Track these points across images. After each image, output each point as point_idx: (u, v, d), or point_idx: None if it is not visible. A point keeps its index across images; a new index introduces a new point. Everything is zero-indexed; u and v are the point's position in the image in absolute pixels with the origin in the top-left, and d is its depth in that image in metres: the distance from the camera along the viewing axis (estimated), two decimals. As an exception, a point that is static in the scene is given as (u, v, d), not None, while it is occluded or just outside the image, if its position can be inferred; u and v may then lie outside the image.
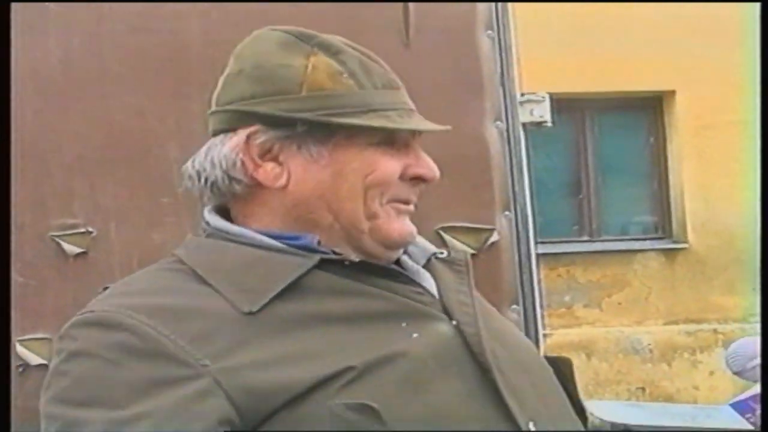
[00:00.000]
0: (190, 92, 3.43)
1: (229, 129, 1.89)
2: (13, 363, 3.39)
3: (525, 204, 3.58)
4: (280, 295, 1.76)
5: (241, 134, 1.86)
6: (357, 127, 1.85)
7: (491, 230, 3.49)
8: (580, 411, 2.11)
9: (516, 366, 1.88)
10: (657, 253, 11.91)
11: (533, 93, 3.76)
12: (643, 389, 11.34)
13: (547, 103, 3.76)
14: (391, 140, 1.92)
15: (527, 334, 3.56)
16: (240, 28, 3.42)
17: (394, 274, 1.91)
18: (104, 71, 3.47)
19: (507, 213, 3.52)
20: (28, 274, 3.45)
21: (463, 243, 3.46)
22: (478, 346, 1.82)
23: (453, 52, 3.54)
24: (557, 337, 11.43)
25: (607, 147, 12.23)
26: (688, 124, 11.90)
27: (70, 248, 3.39)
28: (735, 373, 1.59)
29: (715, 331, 11.30)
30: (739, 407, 1.84)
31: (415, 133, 1.98)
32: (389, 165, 1.90)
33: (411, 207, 1.96)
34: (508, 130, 3.55)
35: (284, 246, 1.85)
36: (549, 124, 3.79)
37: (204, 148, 1.93)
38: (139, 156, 3.43)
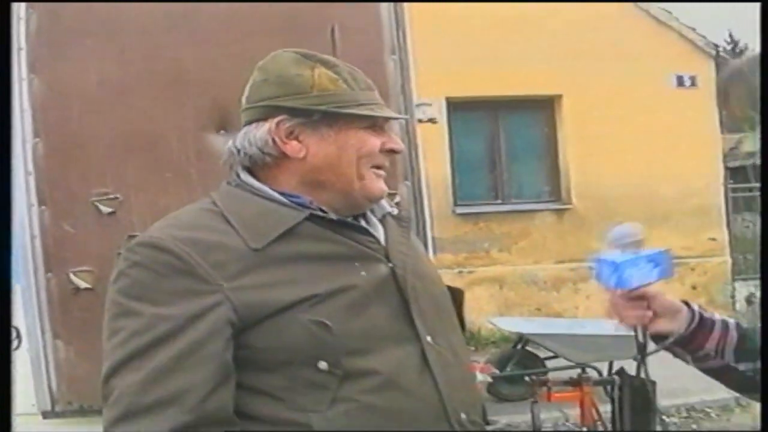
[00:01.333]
0: (185, 101, 3.65)
1: (261, 119, 1.90)
2: (67, 288, 3.61)
3: (420, 175, 3.78)
4: (279, 238, 1.81)
5: (272, 122, 1.88)
6: (354, 115, 1.88)
7: (395, 194, 3.65)
8: (462, 325, 2.18)
9: (428, 296, 1.94)
10: (550, 212, 12.00)
11: (426, 100, 3.94)
12: (539, 309, 11.43)
13: (435, 107, 3.95)
14: (374, 125, 1.93)
15: None
16: (221, 57, 3.65)
17: (357, 227, 1.93)
18: (127, 87, 3.65)
19: (407, 182, 3.74)
20: (77, 226, 3.65)
21: None
22: (403, 283, 1.87)
23: (368, 69, 3.62)
24: (479, 273, 11.50)
25: (514, 135, 12.24)
26: (573, 118, 11.95)
27: (105, 209, 3.61)
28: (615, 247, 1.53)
29: (590, 267, 11.12)
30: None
31: (387, 120, 2.00)
32: (374, 141, 1.91)
33: (383, 172, 1.96)
34: (407, 125, 3.76)
35: (288, 201, 1.87)
36: (437, 122, 3.96)
37: (241, 133, 1.92)
38: (150, 146, 3.63)
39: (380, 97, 1.98)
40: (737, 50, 15.91)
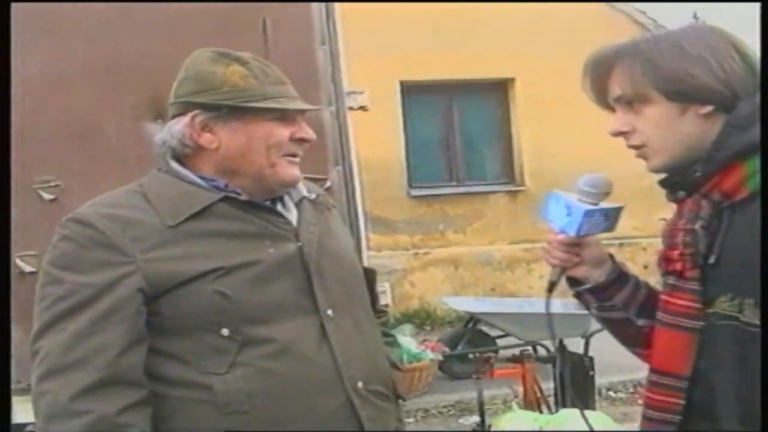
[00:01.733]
0: (123, 91, 3.78)
1: (180, 113, 2.04)
2: (13, 272, 3.74)
3: (351, 161, 3.95)
4: (194, 216, 1.97)
5: (188, 116, 2.02)
6: (258, 108, 2.02)
7: (325, 179, 3.82)
8: (374, 303, 2.28)
9: (334, 274, 2.07)
10: (504, 194, 12.18)
11: (356, 89, 4.11)
12: (494, 289, 11.55)
13: (366, 95, 4.10)
14: (283, 116, 2.04)
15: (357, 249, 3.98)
16: (158, 49, 3.79)
17: (269, 209, 2.07)
18: (67, 78, 3.79)
19: (337, 167, 3.90)
20: (21, 213, 3.79)
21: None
22: (308, 260, 2.02)
23: (299, 60, 3.82)
24: (434, 254, 11.69)
25: (468, 117, 12.39)
26: (525, 101, 12.14)
27: (47, 195, 3.76)
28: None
29: (544, 248, 11.22)
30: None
31: (302, 112, 2.09)
32: (281, 132, 2.04)
33: (297, 159, 2.08)
34: (337, 113, 3.94)
35: (205, 185, 2.03)
36: (368, 109, 4.13)
37: (167, 126, 2.05)
38: (90, 134, 3.77)
39: (293, 90, 2.09)
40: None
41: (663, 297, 1.73)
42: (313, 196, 2.17)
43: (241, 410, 1.89)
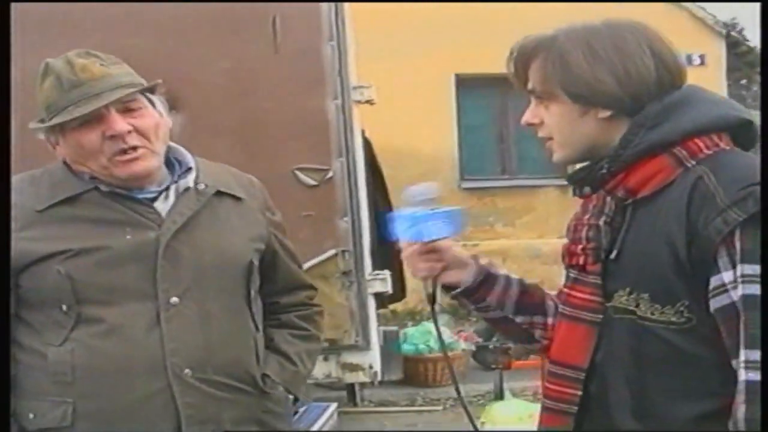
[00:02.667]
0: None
1: None
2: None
3: (355, 152, 4.09)
4: (64, 202, 2.09)
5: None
6: (62, 122, 2.04)
7: (327, 170, 4.00)
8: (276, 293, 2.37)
9: (193, 264, 2.12)
10: (554, 188, 11.90)
11: (364, 83, 4.24)
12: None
13: (373, 89, 4.24)
14: (90, 118, 2.04)
15: (353, 234, 4.16)
16: (170, 46, 3.97)
17: (136, 199, 2.12)
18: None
19: (340, 159, 4.05)
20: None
21: (310, 178, 3.98)
22: (161, 247, 2.08)
23: (306, 55, 4.03)
24: (482, 246, 11.56)
25: (522, 111, 12.10)
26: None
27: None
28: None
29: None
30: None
31: (107, 107, 2.05)
32: (88, 137, 2.05)
33: (136, 152, 2.07)
34: (343, 106, 4.07)
35: (80, 177, 2.12)
36: (375, 103, 4.26)
37: None
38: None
39: (100, 84, 2.04)
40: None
41: (564, 290, 1.81)
42: (202, 186, 2.18)
43: (65, 380, 2.05)
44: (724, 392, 1.55)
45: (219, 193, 2.21)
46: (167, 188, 2.17)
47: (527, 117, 1.81)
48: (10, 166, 2.08)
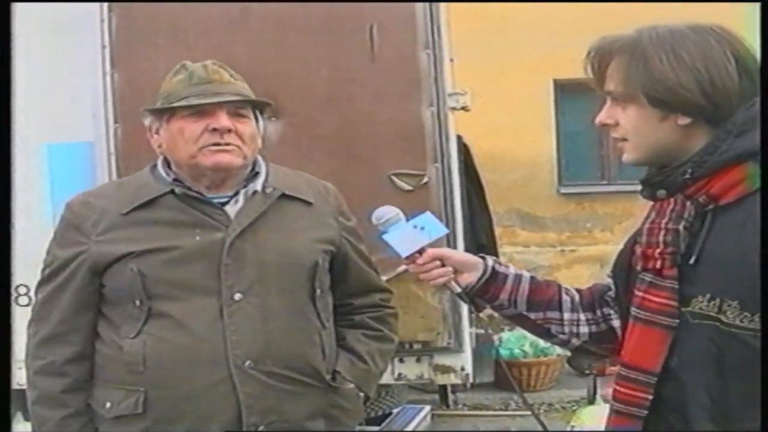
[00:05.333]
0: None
1: None
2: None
3: (450, 157, 4.14)
4: (144, 206, 2.27)
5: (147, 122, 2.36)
6: (174, 108, 2.24)
7: (423, 175, 4.07)
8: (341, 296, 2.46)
9: (257, 262, 2.24)
10: None
11: (459, 90, 4.30)
12: None
13: (468, 96, 4.28)
14: (199, 111, 2.22)
15: (448, 238, 4.14)
16: (270, 53, 4.08)
17: (207, 202, 2.28)
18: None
19: (436, 164, 4.11)
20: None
21: (406, 183, 4.06)
22: (226, 246, 2.22)
23: (402, 64, 4.11)
24: (580, 251, 11.56)
25: None
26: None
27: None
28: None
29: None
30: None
31: (220, 105, 2.23)
32: (193, 126, 2.22)
33: (227, 147, 2.23)
34: (438, 113, 4.13)
35: (160, 178, 2.31)
36: (470, 110, 4.31)
37: None
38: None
39: (220, 87, 2.21)
40: None
41: (638, 293, 1.78)
42: (270, 189, 2.32)
43: (137, 370, 2.21)
44: None
45: (288, 197, 2.33)
46: (237, 192, 2.30)
47: (602, 117, 1.80)
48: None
